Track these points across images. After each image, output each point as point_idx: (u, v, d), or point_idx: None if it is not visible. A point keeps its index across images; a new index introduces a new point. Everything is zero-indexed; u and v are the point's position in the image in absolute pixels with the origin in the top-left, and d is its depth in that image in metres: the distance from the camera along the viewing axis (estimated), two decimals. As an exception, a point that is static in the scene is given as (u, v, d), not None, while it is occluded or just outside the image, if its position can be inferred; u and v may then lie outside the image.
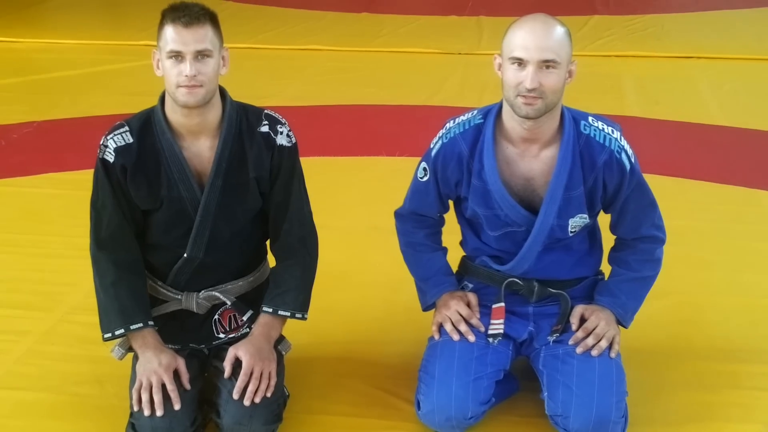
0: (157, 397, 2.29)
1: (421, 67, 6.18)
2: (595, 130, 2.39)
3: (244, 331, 2.52)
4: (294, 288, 2.49)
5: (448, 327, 2.49)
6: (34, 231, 3.64)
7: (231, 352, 2.39)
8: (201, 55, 2.26)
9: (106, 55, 6.49)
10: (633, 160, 2.41)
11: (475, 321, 2.49)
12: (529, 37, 2.25)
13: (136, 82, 5.75)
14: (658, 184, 4.04)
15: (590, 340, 2.43)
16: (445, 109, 5.12)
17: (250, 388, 2.33)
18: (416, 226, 2.63)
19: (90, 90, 5.70)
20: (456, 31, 7.07)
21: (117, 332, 2.37)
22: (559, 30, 2.29)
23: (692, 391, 2.67)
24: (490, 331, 2.48)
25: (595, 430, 2.35)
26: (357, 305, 3.10)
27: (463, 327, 2.48)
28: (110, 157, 2.34)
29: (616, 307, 2.50)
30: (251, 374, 2.34)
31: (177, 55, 2.25)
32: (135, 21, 7.45)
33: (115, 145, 2.34)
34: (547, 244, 2.45)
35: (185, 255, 2.43)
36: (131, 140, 2.34)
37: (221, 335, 2.53)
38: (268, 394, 2.35)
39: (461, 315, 2.49)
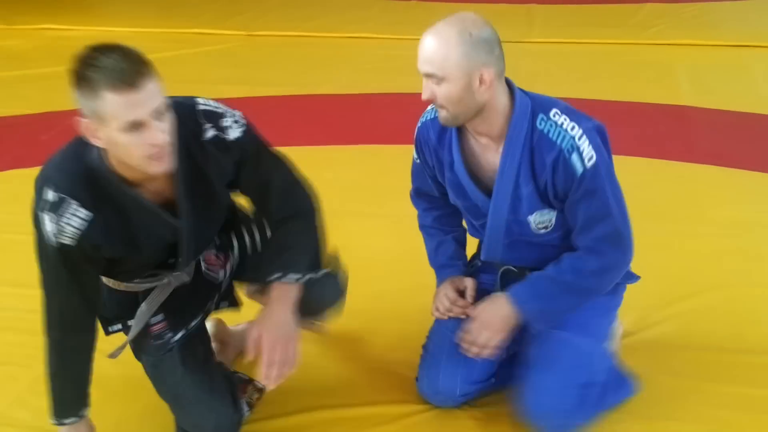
0: None
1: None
2: (551, 125, 2.20)
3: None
4: (299, 248, 2.28)
5: (436, 314, 2.53)
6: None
7: (252, 333, 2.19)
8: (158, 113, 1.92)
9: (158, 43, 6.47)
10: (589, 163, 2.17)
11: (457, 309, 2.49)
12: (419, 48, 2.16)
13: (188, 70, 5.82)
14: (711, 175, 4.04)
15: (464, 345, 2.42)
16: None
17: (275, 374, 2.17)
18: (427, 208, 2.63)
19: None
20: (506, 20, 6.97)
21: (52, 421, 2.24)
22: (450, 40, 2.10)
23: (744, 385, 2.63)
24: None
25: (544, 416, 2.34)
26: (407, 293, 3.09)
27: (454, 311, 2.49)
28: (71, 242, 2.01)
29: (518, 299, 2.39)
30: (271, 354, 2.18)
31: (135, 125, 1.90)
32: (186, 9, 7.52)
33: (74, 230, 2.00)
34: (525, 239, 2.36)
35: (174, 272, 2.32)
36: (90, 215, 2.00)
37: (212, 273, 2.45)
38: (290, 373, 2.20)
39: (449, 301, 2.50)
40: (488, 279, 2.56)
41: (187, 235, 2.19)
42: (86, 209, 2.01)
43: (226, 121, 2.14)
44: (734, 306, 3.02)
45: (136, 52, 1.91)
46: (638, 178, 3.63)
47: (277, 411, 2.55)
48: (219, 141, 2.12)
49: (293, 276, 2.23)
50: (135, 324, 2.35)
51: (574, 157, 2.18)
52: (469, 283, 2.54)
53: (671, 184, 3.89)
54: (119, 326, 2.36)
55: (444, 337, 2.50)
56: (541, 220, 2.32)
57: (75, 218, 2.00)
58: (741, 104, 4.98)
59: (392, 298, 3.08)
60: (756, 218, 3.65)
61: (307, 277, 2.26)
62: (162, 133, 1.92)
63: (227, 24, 6.96)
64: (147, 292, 2.36)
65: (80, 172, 2.01)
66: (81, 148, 2.02)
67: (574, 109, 2.27)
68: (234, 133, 2.14)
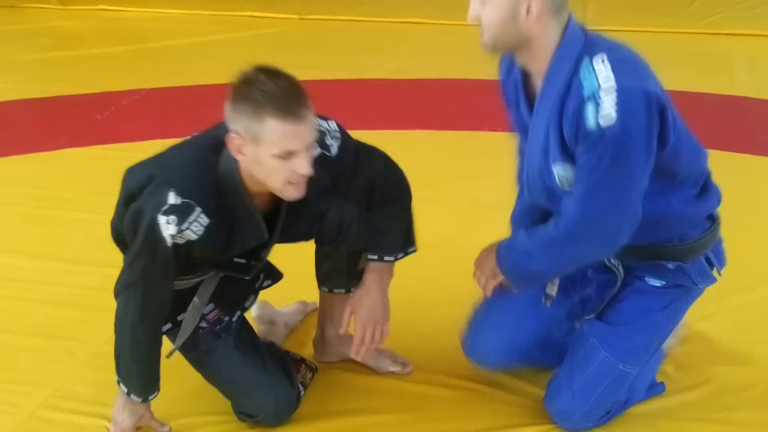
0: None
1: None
2: (589, 71, 1.97)
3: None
4: (395, 232, 2.41)
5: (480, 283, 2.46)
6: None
7: (347, 309, 2.39)
8: (310, 145, 2.04)
9: (211, 26, 6.57)
10: (604, 122, 1.92)
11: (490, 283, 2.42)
12: None
13: (240, 53, 5.80)
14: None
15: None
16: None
17: (363, 351, 2.38)
18: None
19: (195, 59, 5.79)
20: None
21: (133, 397, 2.30)
22: None
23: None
24: (546, 291, 2.42)
25: (562, 418, 2.37)
26: (459, 278, 3.06)
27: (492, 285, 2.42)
28: (184, 243, 2.10)
29: (499, 250, 2.34)
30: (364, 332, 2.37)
31: (289, 154, 1.99)
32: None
33: (194, 235, 2.08)
34: (558, 195, 2.16)
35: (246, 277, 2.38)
36: (210, 222, 2.09)
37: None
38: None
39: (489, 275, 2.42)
40: None
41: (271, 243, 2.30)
42: (208, 217, 2.09)
43: (328, 140, 2.20)
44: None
45: (296, 80, 2.00)
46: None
47: (338, 393, 2.58)
48: (323, 159, 2.17)
49: (389, 258, 2.38)
50: (189, 318, 2.38)
51: (590, 108, 1.95)
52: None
53: (728, 175, 3.83)
54: (169, 325, 2.38)
55: (491, 307, 2.48)
56: (564, 174, 2.10)
57: (197, 224, 2.08)
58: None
59: (444, 282, 3.07)
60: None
61: (401, 256, 2.40)
62: (308, 164, 2.01)
63: (279, 8, 6.95)
64: (193, 289, 2.39)
65: (208, 182, 2.10)
66: (209, 156, 2.12)
67: (636, 62, 2.04)
68: (334, 149, 2.21)
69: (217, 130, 2.14)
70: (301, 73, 2.11)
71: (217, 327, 2.40)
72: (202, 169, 2.12)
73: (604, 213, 2.06)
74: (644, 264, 2.29)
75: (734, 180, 3.81)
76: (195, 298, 2.38)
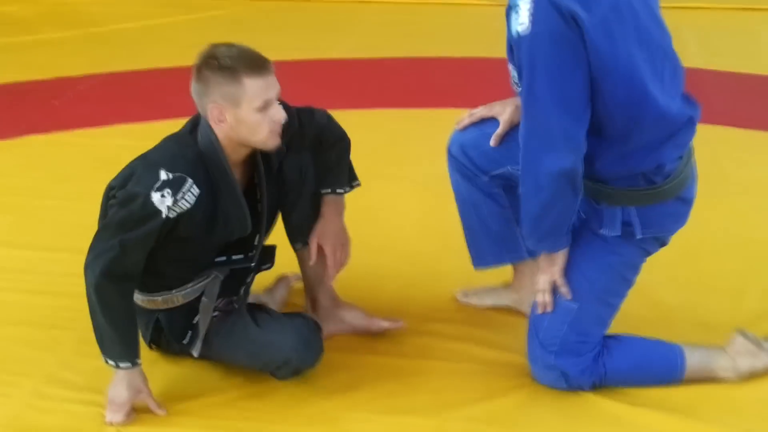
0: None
1: (477, 20, 6.10)
2: None
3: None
4: (342, 168, 2.63)
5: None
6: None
7: (314, 241, 2.58)
8: (279, 95, 2.28)
9: (158, 8, 6.45)
10: (519, 28, 2.01)
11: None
12: None
13: (192, 35, 5.74)
14: (729, 136, 4.05)
15: None
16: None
17: (334, 273, 2.63)
18: None
19: (148, 43, 5.72)
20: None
21: (121, 364, 2.31)
22: None
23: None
24: None
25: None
26: (438, 254, 3.12)
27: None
28: (175, 215, 2.23)
29: None
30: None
31: (267, 104, 2.23)
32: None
33: (188, 204, 2.23)
34: None
35: (252, 264, 2.49)
36: (198, 191, 2.24)
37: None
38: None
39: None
40: None
41: (264, 227, 2.48)
42: (198, 187, 2.24)
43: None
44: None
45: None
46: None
47: (330, 368, 2.58)
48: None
49: (340, 191, 2.62)
50: (203, 317, 2.44)
51: (513, 16, 2.06)
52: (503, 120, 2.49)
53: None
54: (189, 333, 2.44)
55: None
56: (514, 75, 2.19)
57: (190, 194, 2.23)
58: (749, 66, 5.03)
59: (424, 258, 3.11)
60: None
61: (348, 189, 2.64)
62: (282, 111, 2.25)
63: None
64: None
65: (193, 156, 2.28)
66: (187, 137, 2.33)
67: None
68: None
69: (188, 123, 2.37)
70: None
71: (228, 307, 2.48)
72: (185, 147, 2.31)
73: (535, 129, 2.11)
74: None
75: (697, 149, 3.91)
76: (203, 298, 2.45)
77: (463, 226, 2.70)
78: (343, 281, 2.71)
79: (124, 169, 2.34)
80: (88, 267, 2.26)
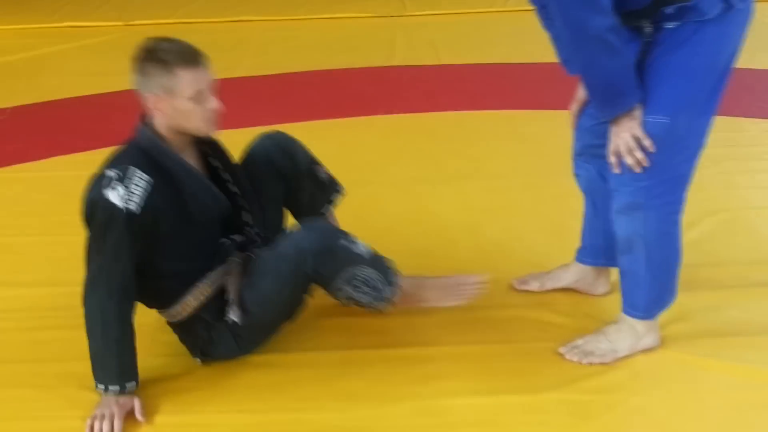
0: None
1: (361, 32, 6.35)
2: None
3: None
4: (318, 190, 2.84)
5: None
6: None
7: None
8: (212, 85, 2.44)
9: (33, 39, 6.38)
10: None
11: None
12: None
13: (81, 63, 5.80)
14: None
15: None
16: (411, 68, 5.46)
17: None
18: None
19: (40, 74, 5.63)
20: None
21: (111, 387, 2.38)
22: None
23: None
24: None
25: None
26: (423, 252, 3.20)
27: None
28: (137, 208, 2.32)
29: None
30: None
31: (200, 94, 2.38)
32: (39, 3, 7.38)
33: (141, 191, 2.33)
34: None
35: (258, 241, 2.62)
36: (150, 179, 2.35)
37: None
38: None
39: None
40: None
41: (243, 198, 2.61)
42: (147, 174, 2.35)
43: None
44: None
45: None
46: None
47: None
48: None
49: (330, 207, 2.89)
50: (232, 288, 2.55)
51: None
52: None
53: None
54: (226, 324, 2.57)
55: None
56: None
57: (140, 181, 2.34)
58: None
59: (410, 259, 3.09)
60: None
61: (339, 198, 2.90)
62: (216, 101, 2.43)
63: (96, 15, 6.90)
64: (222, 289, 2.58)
65: (135, 152, 2.42)
66: (127, 142, 2.45)
67: None
68: None
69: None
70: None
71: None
72: (123, 148, 2.45)
73: None
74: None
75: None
76: (229, 297, 2.55)
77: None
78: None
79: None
80: (85, 290, 2.37)
